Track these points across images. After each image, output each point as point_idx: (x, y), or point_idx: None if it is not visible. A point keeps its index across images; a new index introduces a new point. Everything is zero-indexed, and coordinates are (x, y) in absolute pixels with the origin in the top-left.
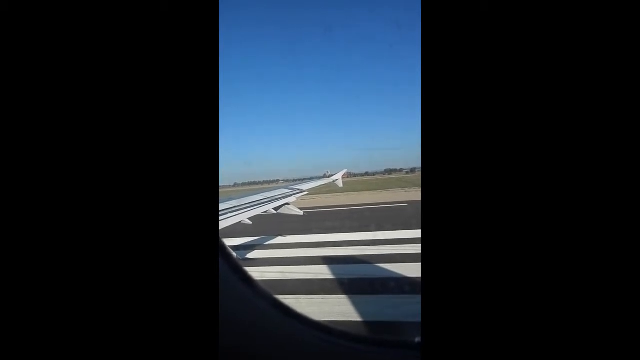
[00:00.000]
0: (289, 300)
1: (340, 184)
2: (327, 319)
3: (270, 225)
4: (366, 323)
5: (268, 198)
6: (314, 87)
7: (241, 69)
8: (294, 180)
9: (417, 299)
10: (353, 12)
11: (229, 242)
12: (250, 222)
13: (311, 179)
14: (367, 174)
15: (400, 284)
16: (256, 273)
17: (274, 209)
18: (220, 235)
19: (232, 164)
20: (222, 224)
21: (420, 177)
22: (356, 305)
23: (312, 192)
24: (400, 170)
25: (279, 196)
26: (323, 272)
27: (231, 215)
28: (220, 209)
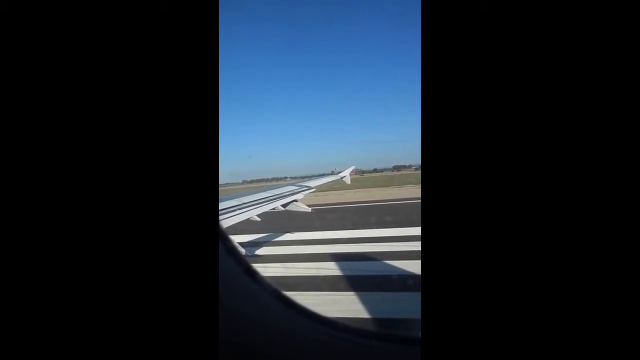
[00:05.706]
0: (297, 297)
1: (348, 181)
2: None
3: (278, 222)
4: (375, 319)
5: (276, 195)
6: (319, 83)
7: (247, 67)
8: (302, 178)
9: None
10: (354, 9)
11: (237, 238)
12: (259, 219)
13: (319, 176)
14: (375, 170)
15: (409, 281)
16: (265, 269)
17: (282, 205)
18: (229, 232)
19: (239, 162)
20: (232, 221)
21: None
22: (365, 302)
23: (320, 189)
24: (409, 166)
25: (287, 193)
26: (330, 268)
27: (240, 212)
28: (229, 206)
